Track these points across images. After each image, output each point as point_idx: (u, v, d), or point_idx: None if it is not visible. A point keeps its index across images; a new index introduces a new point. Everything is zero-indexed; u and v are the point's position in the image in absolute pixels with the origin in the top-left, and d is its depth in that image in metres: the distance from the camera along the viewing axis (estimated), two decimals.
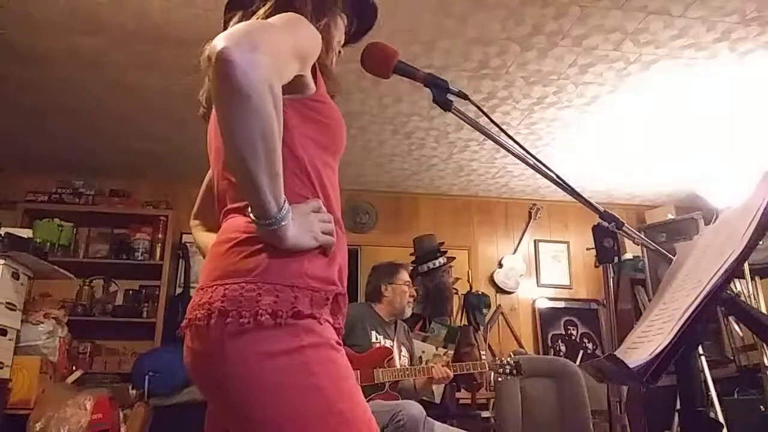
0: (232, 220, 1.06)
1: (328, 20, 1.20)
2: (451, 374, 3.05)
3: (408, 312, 3.33)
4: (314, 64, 1.09)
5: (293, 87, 1.04)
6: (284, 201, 0.94)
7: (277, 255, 0.98)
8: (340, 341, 1.07)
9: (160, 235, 4.50)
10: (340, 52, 1.29)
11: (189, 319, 1.00)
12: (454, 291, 4.66)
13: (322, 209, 1.05)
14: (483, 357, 3.88)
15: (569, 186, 1.18)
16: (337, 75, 1.26)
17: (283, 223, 0.94)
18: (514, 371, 3.08)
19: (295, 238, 0.97)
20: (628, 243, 4.74)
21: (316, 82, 1.10)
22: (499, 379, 3.14)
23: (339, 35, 1.26)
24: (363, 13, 1.35)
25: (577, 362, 4.39)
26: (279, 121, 0.91)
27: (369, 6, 1.36)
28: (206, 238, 1.29)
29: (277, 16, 1.02)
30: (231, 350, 0.94)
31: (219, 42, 0.86)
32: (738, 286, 3.84)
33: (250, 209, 0.96)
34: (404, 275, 3.34)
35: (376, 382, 2.96)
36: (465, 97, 1.22)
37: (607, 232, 1.16)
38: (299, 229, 0.98)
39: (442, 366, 3.06)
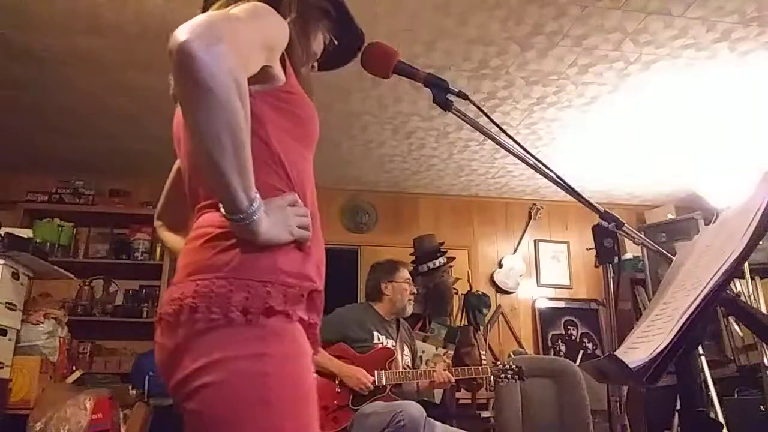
0: (207, 215, 1.03)
1: (306, 23, 1.19)
2: (453, 379, 3.05)
3: (409, 310, 3.31)
4: (284, 57, 1.08)
5: (261, 78, 1.01)
6: (255, 195, 0.92)
7: (251, 250, 0.96)
8: (317, 339, 1.07)
9: None
10: (314, 66, 1.27)
11: (160, 315, 0.98)
12: (454, 291, 4.67)
13: (299, 203, 1.03)
14: (483, 357, 3.87)
15: (569, 186, 1.18)
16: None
17: (255, 218, 0.92)
18: (516, 376, 3.08)
19: (269, 232, 0.95)
20: (628, 243, 4.75)
21: (285, 74, 1.08)
22: (501, 383, 3.14)
23: (317, 46, 1.25)
24: (345, 38, 1.33)
25: (577, 362, 4.39)
26: (246, 113, 0.89)
27: (353, 34, 1.35)
28: (174, 239, 1.28)
29: (242, 6, 1.00)
30: (197, 347, 0.92)
31: (180, 34, 0.83)
32: (738, 286, 3.84)
33: (221, 204, 0.94)
34: (404, 273, 3.33)
35: (377, 384, 2.96)
36: (465, 97, 1.22)
37: (607, 232, 1.16)
38: (273, 223, 0.96)
39: (444, 369, 3.06)
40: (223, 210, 0.94)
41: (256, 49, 0.96)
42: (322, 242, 1.14)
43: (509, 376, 3.07)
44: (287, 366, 0.95)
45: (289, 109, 1.08)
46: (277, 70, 1.05)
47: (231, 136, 0.86)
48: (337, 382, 2.96)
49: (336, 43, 1.30)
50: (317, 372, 2.97)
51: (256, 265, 0.96)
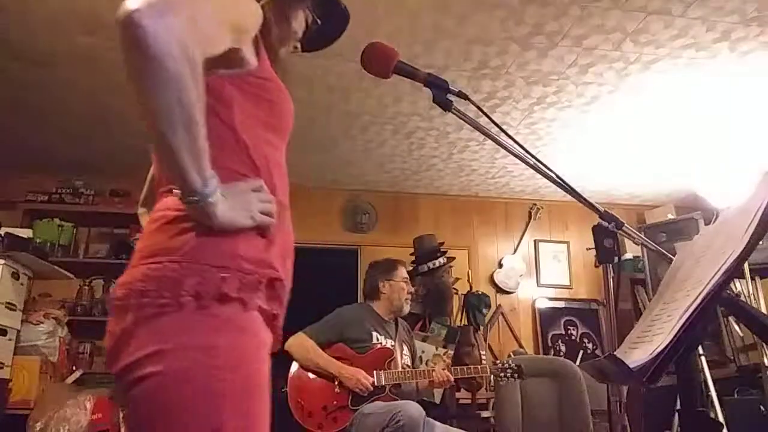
0: (166, 199, 0.99)
1: (286, 3, 1.15)
2: (452, 378, 3.05)
3: (406, 309, 3.30)
4: (258, 41, 1.04)
5: (229, 61, 0.98)
6: (212, 176, 0.89)
7: (208, 234, 0.92)
8: (279, 331, 1.02)
9: None
10: (296, 47, 1.23)
11: (111, 300, 0.95)
12: (454, 291, 4.67)
13: (264, 189, 1.00)
14: (483, 357, 3.88)
15: (569, 186, 1.18)
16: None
17: (211, 200, 0.89)
18: (516, 375, 3.08)
19: (227, 216, 0.92)
20: (628, 243, 4.75)
21: (259, 58, 1.04)
22: (501, 382, 3.14)
23: (299, 26, 1.20)
24: (330, 16, 1.29)
25: (577, 362, 4.39)
26: (200, 91, 0.85)
27: (338, 12, 1.32)
28: None
29: None
30: (144, 333, 0.88)
31: (129, 3, 0.78)
32: (738, 286, 3.84)
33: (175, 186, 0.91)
34: (402, 272, 3.32)
35: (376, 384, 2.96)
36: (465, 97, 1.22)
37: (607, 232, 1.16)
38: (233, 207, 0.93)
39: (443, 369, 3.06)
40: (177, 191, 0.90)
41: (220, 27, 0.91)
42: (291, 236, 1.10)
43: (508, 374, 3.07)
44: (238, 359, 0.90)
45: (260, 95, 1.05)
46: (248, 54, 1.01)
47: (181, 113, 0.82)
48: (336, 382, 2.96)
49: (319, 22, 1.25)
50: (317, 374, 2.99)
51: (213, 250, 0.92)
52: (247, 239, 0.96)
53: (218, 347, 0.88)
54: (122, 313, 0.90)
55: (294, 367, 3.04)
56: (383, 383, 2.98)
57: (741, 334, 3.89)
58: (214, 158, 0.93)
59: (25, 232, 3.81)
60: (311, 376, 3.01)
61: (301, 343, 3.03)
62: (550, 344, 5.05)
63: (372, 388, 2.93)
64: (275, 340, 1.02)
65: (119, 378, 0.90)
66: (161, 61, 0.79)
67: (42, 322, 3.57)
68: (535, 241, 5.37)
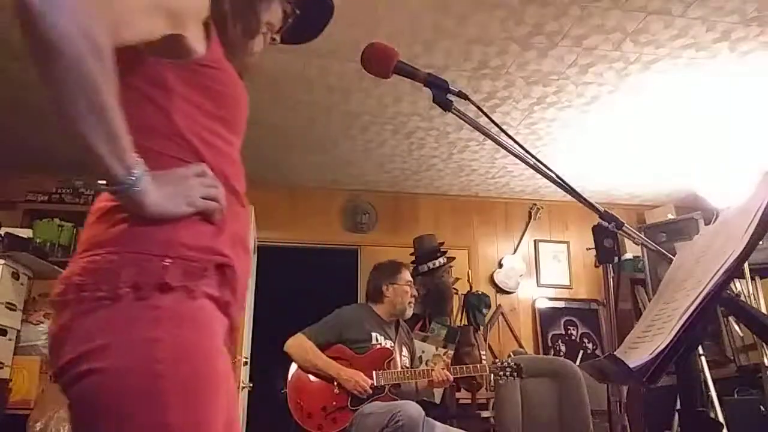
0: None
1: None
2: (451, 378, 3.05)
3: (409, 312, 3.30)
4: (209, 29, 1.00)
5: (170, 48, 0.94)
6: (136, 164, 0.85)
7: (146, 223, 0.88)
8: (233, 319, 0.98)
9: None
10: (274, 39, 1.19)
11: (51, 297, 0.90)
12: (454, 291, 4.67)
13: (208, 174, 0.95)
14: (483, 357, 3.88)
15: (569, 186, 1.18)
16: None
17: (137, 188, 0.85)
18: (515, 373, 3.07)
19: (160, 203, 0.88)
20: (628, 243, 4.75)
21: (209, 47, 1.00)
22: (500, 381, 3.14)
23: (272, 17, 1.15)
24: (311, 7, 1.24)
25: (577, 362, 4.39)
26: (107, 74, 0.79)
27: (320, 2, 1.27)
28: None
29: None
30: (83, 328, 0.84)
31: None
32: (738, 286, 3.84)
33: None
34: (406, 275, 3.31)
35: (375, 384, 2.96)
36: (465, 97, 1.22)
37: (607, 232, 1.16)
38: (167, 195, 0.89)
39: (443, 369, 3.06)
40: (101, 181, 0.86)
41: (149, 12, 0.87)
42: (246, 224, 1.06)
43: (508, 373, 3.07)
44: (184, 351, 0.86)
45: (207, 84, 1.00)
46: (193, 40, 0.96)
47: (90, 102, 0.78)
48: (335, 383, 2.96)
49: (298, 13, 1.20)
50: (317, 375, 2.99)
51: (152, 238, 0.88)
52: (190, 226, 0.92)
53: (161, 340, 0.84)
54: (61, 309, 0.87)
55: (293, 368, 3.04)
56: (382, 383, 2.98)
57: (741, 334, 3.89)
58: (151, 146, 0.91)
59: (25, 232, 3.81)
60: (311, 377, 3.01)
61: (300, 344, 3.03)
62: (550, 344, 5.05)
63: (371, 391, 2.93)
64: (231, 327, 0.99)
65: (59, 377, 0.87)
66: (56, 44, 0.74)
67: (42, 322, 3.57)
68: (535, 241, 5.37)
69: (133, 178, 0.84)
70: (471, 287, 4.99)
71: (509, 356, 3.57)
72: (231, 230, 0.99)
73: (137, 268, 0.86)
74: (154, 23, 0.88)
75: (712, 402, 3.33)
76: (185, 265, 0.89)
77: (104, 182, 0.85)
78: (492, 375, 3.13)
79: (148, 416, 0.82)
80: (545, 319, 5.14)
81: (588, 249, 5.19)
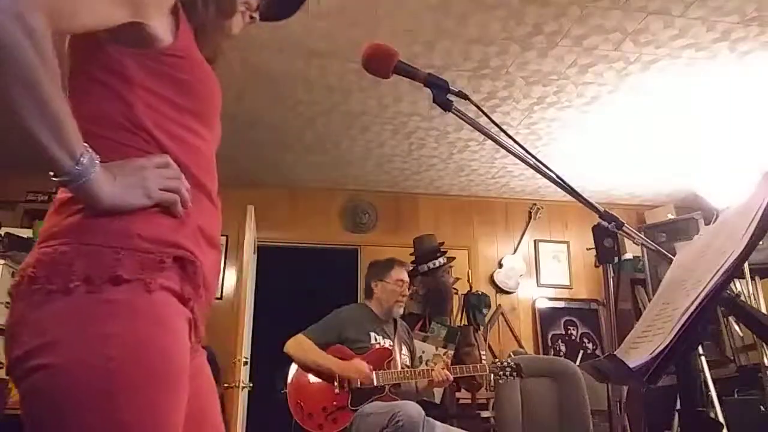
0: None
1: None
2: (451, 377, 3.05)
3: (396, 312, 3.23)
4: (178, 15, 0.97)
5: (129, 38, 0.91)
6: (84, 154, 0.82)
7: (102, 214, 0.86)
8: (197, 315, 0.94)
9: None
10: (253, 18, 1.15)
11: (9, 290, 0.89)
12: (454, 291, 4.67)
13: (171, 165, 0.92)
14: (483, 357, 3.88)
15: (569, 186, 1.18)
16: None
17: (84, 180, 0.82)
18: (515, 373, 3.07)
19: (114, 195, 0.86)
20: (628, 243, 4.75)
21: (177, 36, 0.96)
22: (500, 380, 3.13)
23: None
24: None
25: (577, 362, 4.39)
26: (48, 63, 0.78)
27: None
28: None
29: None
30: (34, 322, 0.81)
31: None
32: (738, 286, 3.84)
33: None
34: (397, 273, 3.23)
35: (375, 384, 2.96)
36: (465, 97, 1.22)
37: (607, 232, 1.15)
38: (122, 186, 0.87)
39: (443, 368, 3.05)
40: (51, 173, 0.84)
41: (103, 1, 0.84)
42: (214, 220, 1.02)
43: (507, 372, 3.07)
44: (138, 346, 0.82)
45: (172, 74, 0.96)
46: (157, 29, 0.93)
47: (30, 95, 0.77)
48: (336, 383, 2.96)
49: None
50: (317, 373, 2.99)
51: (106, 230, 0.86)
52: (148, 218, 0.90)
53: (113, 335, 0.81)
54: (16, 302, 0.85)
55: (293, 368, 3.04)
56: (382, 383, 2.97)
57: (741, 334, 3.89)
58: (113, 137, 0.90)
59: (25, 232, 3.81)
60: (311, 377, 3.01)
61: (299, 344, 3.03)
62: (550, 344, 5.05)
63: (373, 377, 2.92)
64: (196, 323, 0.95)
65: (10, 371, 0.85)
66: None
67: None
68: (535, 241, 5.37)
69: (80, 168, 0.82)
70: (471, 287, 4.99)
71: (509, 356, 3.57)
72: (195, 224, 0.96)
73: (90, 260, 0.83)
74: (112, 10, 0.86)
75: (712, 402, 3.33)
76: (140, 258, 0.86)
77: (52, 173, 0.83)
78: (492, 375, 3.13)
79: (99, 414, 0.79)
80: (545, 319, 5.14)
81: (588, 249, 5.19)
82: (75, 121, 0.82)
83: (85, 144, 0.84)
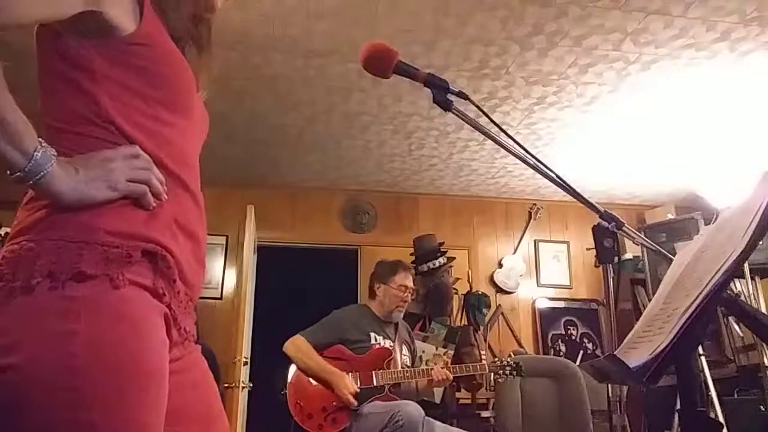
0: None
1: None
2: (451, 376, 3.04)
3: (396, 316, 3.21)
4: (141, 2, 0.94)
5: (87, 28, 0.88)
6: (38, 150, 0.80)
7: (67, 209, 0.84)
8: (174, 310, 0.91)
9: None
10: None
11: None
12: (454, 291, 4.67)
13: (141, 156, 0.90)
14: (483, 357, 3.87)
15: (569, 186, 1.18)
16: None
17: (40, 175, 0.80)
18: (514, 372, 3.07)
19: (76, 189, 0.83)
20: (628, 243, 4.75)
21: (141, 23, 0.93)
22: (499, 379, 3.13)
23: None
24: None
25: (577, 362, 4.39)
26: None
27: None
28: None
29: None
30: None
31: None
32: (738, 286, 3.84)
33: None
34: (402, 278, 3.20)
35: (375, 384, 2.95)
36: (465, 97, 1.22)
37: (607, 232, 1.15)
38: (84, 179, 0.84)
39: (442, 368, 3.05)
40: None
41: None
42: (193, 213, 0.99)
43: (507, 372, 3.07)
44: (104, 345, 0.79)
45: (138, 63, 0.93)
46: (117, 17, 0.90)
47: None
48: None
49: None
50: (312, 376, 2.98)
51: (70, 224, 0.84)
52: (116, 211, 0.87)
53: (76, 333, 0.78)
54: None
55: (293, 368, 3.04)
56: (382, 383, 2.97)
57: (741, 334, 3.89)
58: (80, 132, 0.89)
59: None
60: (310, 378, 3.01)
61: (297, 346, 3.02)
62: (550, 344, 5.05)
63: (354, 402, 2.87)
64: (174, 320, 0.92)
65: None
66: None
67: None
68: (535, 241, 5.37)
69: (36, 165, 0.80)
70: (471, 287, 4.99)
71: (509, 356, 3.56)
72: (169, 216, 0.93)
73: (53, 256, 0.81)
74: (67, 2, 0.83)
75: (712, 402, 3.33)
76: (105, 252, 0.83)
77: (9, 172, 0.81)
78: (492, 374, 3.13)
79: (65, 413, 0.77)
80: (545, 319, 5.14)
81: (588, 249, 5.19)
82: (23, 116, 0.80)
83: (40, 139, 0.82)
